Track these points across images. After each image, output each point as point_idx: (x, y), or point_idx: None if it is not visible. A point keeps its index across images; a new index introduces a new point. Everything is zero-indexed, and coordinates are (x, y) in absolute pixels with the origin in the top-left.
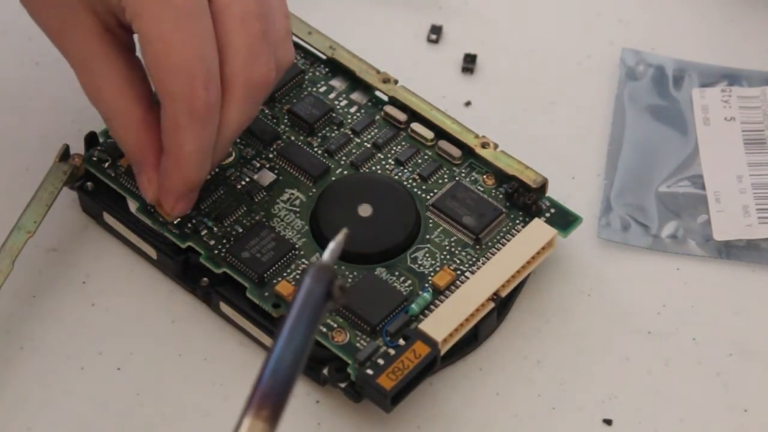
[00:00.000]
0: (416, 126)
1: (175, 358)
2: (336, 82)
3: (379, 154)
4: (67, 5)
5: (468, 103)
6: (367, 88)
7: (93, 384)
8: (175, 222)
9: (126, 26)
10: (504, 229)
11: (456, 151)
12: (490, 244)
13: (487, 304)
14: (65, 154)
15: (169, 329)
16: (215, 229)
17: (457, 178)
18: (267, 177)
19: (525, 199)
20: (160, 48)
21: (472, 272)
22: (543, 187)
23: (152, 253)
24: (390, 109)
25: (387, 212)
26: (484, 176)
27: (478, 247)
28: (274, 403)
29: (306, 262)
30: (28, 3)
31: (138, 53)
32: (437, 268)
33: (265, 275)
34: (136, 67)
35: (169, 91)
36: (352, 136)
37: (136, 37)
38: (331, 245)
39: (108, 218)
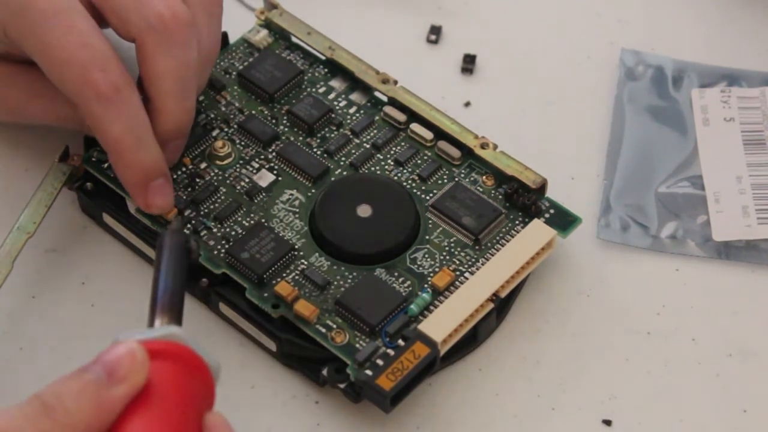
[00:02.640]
0: (416, 126)
1: None
2: (335, 83)
3: (379, 155)
4: None
5: (467, 104)
6: (366, 89)
7: None
8: (172, 221)
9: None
10: (503, 229)
11: (455, 152)
12: (489, 244)
13: (487, 305)
14: (65, 155)
15: None
16: (215, 229)
17: (456, 179)
18: (266, 178)
19: (524, 199)
20: (44, 53)
21: (472, 273)
22: (542, 187)
23: (151, 253)
24: (389, 110)
25: (386, 213)
26: (484, 177)
27: (477, 247)
28: (173, 309)
29: (305, 262)
30: None
31: None
32: (437, 269)
33: (265, 276)
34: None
35: (69, 88)
36: (351, 136)
37: None
38: (174, 221)
39: (107, 219)
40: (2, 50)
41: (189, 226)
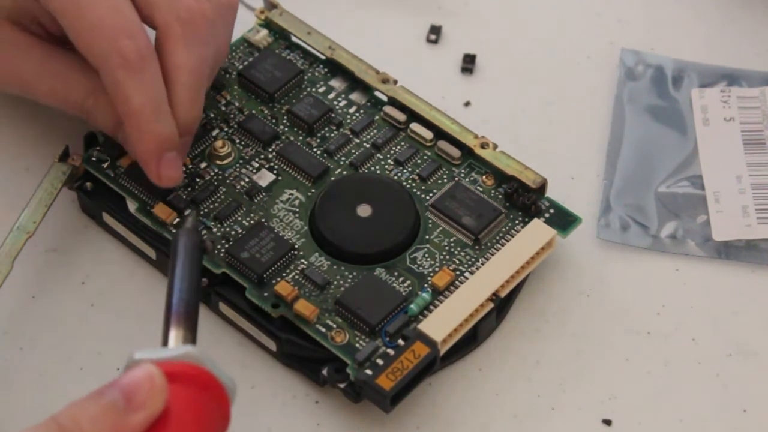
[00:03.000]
0: (415, 126)
1: None
2: (335, 83)
3: (379, 155)
4: None
5: (467, 104)
6: (366, 89)
7: (92, 384)
8: (173, 222)
9: (50, 32)
10: (503, 229)
11: (455, 152)
12: (489, 244)
13: (487, 305)
14: (65, 154)
15: None
16: (215, 229)
17: (456, 179)
18: (266, 177)
19: (524, 199)
20: (74, 14)
21: (472, 272)
22: (542, 187)
23: (152, 253)
24: (389, 110)
25: (386, 212)
26: (484, 176)
27: (477, 247)
28: (187, 320)
29: (305, 262)
30: None
31: None
32: (436, 269)
33: (265, 275)
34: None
35: (96, 53)
36: (351, 136)
37: None
38: (189, 220)
39: (107, 218)
40: (26, 14)
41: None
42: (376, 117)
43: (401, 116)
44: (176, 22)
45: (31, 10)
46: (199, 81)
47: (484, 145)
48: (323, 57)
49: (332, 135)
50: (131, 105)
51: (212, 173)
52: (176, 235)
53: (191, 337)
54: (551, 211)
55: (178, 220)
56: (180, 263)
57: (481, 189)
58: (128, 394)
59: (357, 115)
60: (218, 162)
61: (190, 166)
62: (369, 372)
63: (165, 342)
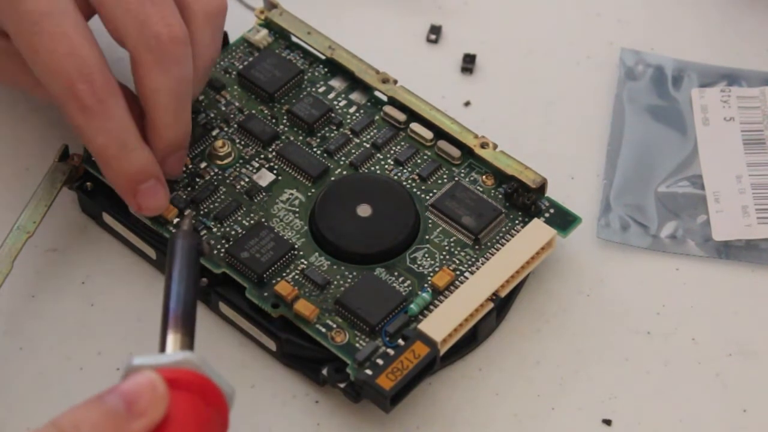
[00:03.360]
0: (415, 126)
1: None
2: (335, 82)
3: (379, 155)
4: None
5: (467, 103)
6: (366, 88)
7: (92, 384)
8: (174, 221)
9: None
10: (503, 229)
11: (455, 152)
12: (489, 244)
13: (487, 305)
14: (64, 154)
15: None
16: (215, 229)
17: (456, 179)
18: (266, 177)
19: (524, 199)
20: (30, 57)
21: (472, 272)
22: (542, 187)
23: (151, 253)
24: (389, 109)
25: (386, 212)
26: (484, 176)
27: (477, 247)
28: (185, 324)
29: (305, 262)
30: None
31: None
32: (436, 269)
33: (265, 275)
34: None
35: (54, 96)
36: (351, 136)
37: None
38: (186, 221)
39: (107, 218)
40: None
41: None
42: (376, 117)
43: (401, 116)
44: (145, 51)
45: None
46: (179, 100)
47: (484, 145)
48: (323, 57)
49: (332, 135)
50: (94, 146)
51: (212, 173)
52: (173, 237)
53: (189, 341)
54: (551, 210)
55: (177, 219)
56: (177, 265)
57: (481, 189)
58: (130, 400)
59: (357, 115)
60: (218, 162)
61: (190, 166)
62: (369, 372)
63: (163, 346)
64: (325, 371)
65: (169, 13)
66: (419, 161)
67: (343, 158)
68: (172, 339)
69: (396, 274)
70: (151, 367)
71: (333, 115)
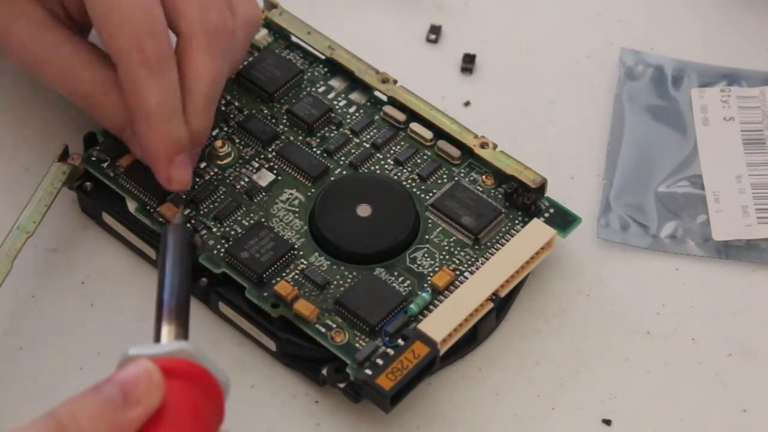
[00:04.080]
0: (415, 126)
1: None
2: (335, 82)
3: (378, 154)
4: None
5: (467, 103)
6: (366, 88)
7: (92, 384)
8: (174, 215)
9: (72, 17)
10: (503, 229)
11: (455, 151)
12: (489, 244)
13: (486, 304)
14: (64, 154)
15: None
16: (214, 229)
17: (456, 178)
18: (266, 177)
19: (524, 199)
20: (105, 7)
21: (471, 272)
22: (542, 187)
23: (151, 253)
24: (389, 109)
25: (386, 212)
26: (483, 176)
27: (477, 247)
28: (179, 315)
29: (305, 262)
30: None
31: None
32: (436, 268)
33: (264, 275)
34: (95, 47)
35: (119, 48)
36: (351, 136)
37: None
38: (177, 215)
39: (107, 218)
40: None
41: (189, 225)
42: (376, 117)
43: (401, 116)
44: (202, 33)
45: None
46: (215, 91)
47: (483, 145)
48: (323, 57)
49: (332, 135)
50: (147, 104)
51: (212, 173)
52: (164, 231)
53: (183, 332)
54: (551, 210)
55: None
56: (169, 258)
57: (480, 189)
58: (125, 389)
59: (357, 114)
60: (218, 162)
61: None
62: (369, 372)
63: (157, 338)
64: (325, 371)
65: (225, 7)
66: (419, 161)
67: (342, 158)
68: (167, 330)
69: (396, 274)
70: (147, 356)
71: (333, 115)
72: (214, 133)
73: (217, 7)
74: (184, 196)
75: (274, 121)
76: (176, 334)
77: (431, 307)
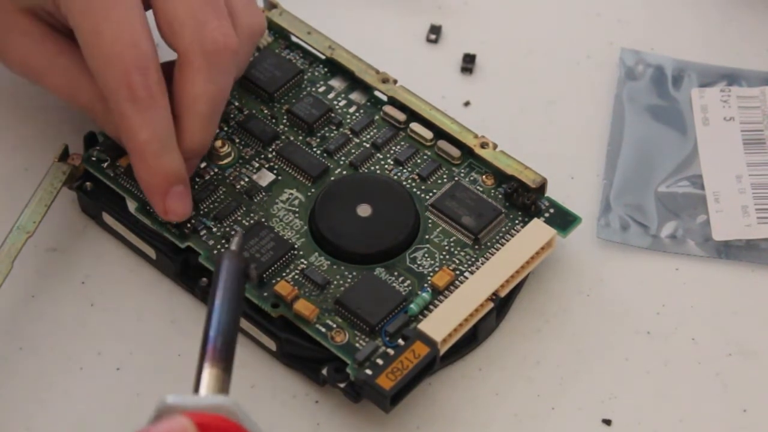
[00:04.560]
0: (415, 126)
1: (174, 358)
2: (335, 82)
3: (379, 154)
4: (6, 14)
5: (467, 103)
6: (366, 88)
7: (92, 384)
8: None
9: (69, 26)
10: (503, 229)
11: (455, 151)
12: (489, 244)
13: (487, 304)
14: (64, 154)
15: (169, 329)
16: (214, 229)
17: (456, 178)
18: (266, 177)
19: (524, 199)
20: (91, 41)
21: (472, 272)
22: (542, 187)
23: (151, 253)
24: (389, 109)
25: (386, 212)
26: (484, 176)
27: (477, 247)
28: (225, 356)
29: (305, 262)
30: None
31: None
32: (436, 268)
33: (264, 275)
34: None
35: (107, 84)
36: (351, 136)
37: None
38: (235, 240)
39: (107, 218)
40: (43, 10)
41: (188, 225)
42: (376, 117)
43: (401, 116)
44: (199, 54)
45: (54, 13)
46: (215, 109)
47: (483, 145)
48: (323, 57)
49: (332, 135)
50: (137, 139)
51: (212, 173)
52: (221, 257)
53: (226, 378)
54: (551, 210)
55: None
56: (221, 291)
57: (480, 189)
58: None
59: (357, 114)
60: (218, 162)
61: None
62: (369, 372)
63: (198, 380)
64: (325, 371)
65: (226, 23)
66: (419, 161)
67: (343, 158)
68: (208, 375)
69: (396, 274)
70: (185, 408)
71: (333, 115)
72: None
73: (217, 24)
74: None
75: (274, 121)
76: (219, 381)
77: (431, 307)
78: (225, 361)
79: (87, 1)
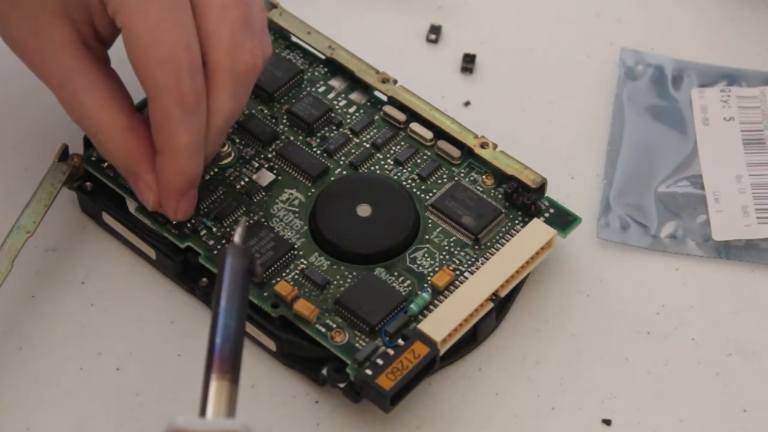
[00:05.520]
0: (415, 126)
1: (174, 358)
2: (335, 82)
3: (378, 154)
4: (43, 16)
5: (467, 103)
6: (366, 88)
7: (92, 384)
8: (174, 222)
9: (101, 38)
10: (503, 229)
11: (455, 151)
12: (489, 244)
13: (486, 304)
14: (64, 154)
15: (169, 329)
16: (214, 229)
17: (456, 178)
18: (266, 177)
19: (524, 199)
20: (146, 41)
21: (471, 272)
22: (542, 187)
23: (151, 253)
24: (389, 109)
25: (386, 212)
26: (484, 176)
27: (477, 247)
28: (233, 365)
29: (305, 262)
30: (2, 23)
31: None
32: (436, 268)
33: (264, 275)
34: (114, 78)
35: (157, 85)
36: (351, 136)
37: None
38: (239, 230)
39: (107, 218)
40: (82, 10)
41: (188, 225)
42: (376, 117)
43: (401, 116)
44: (230, 72)
45: (93, 9)
46: (230, 125)
47: (483, 145)
48: (323, 56)
49: (332, 135)
50: (176, 142)
51: (212, 173)
52: (224, 253)
53: (234, 390)
54: (551, 210)
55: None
56: (225, 291)
57: (480, 189)
58: None
59: (357, 114)
60: (218, 162)
61: None
62: (369, 372)
63: (205, 392)
64: (325, 371)
65: (257, 45)
66: (419, 161)
67: (342, 158)
68: (216, 390)
69: (396, 274)
70: None
71: (333, 115)
72: None
73: (249, 47)
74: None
75: (274, 121)
76: (227, 398)
77: (431, 307)
78: (232, 372)
79: (143, 0)
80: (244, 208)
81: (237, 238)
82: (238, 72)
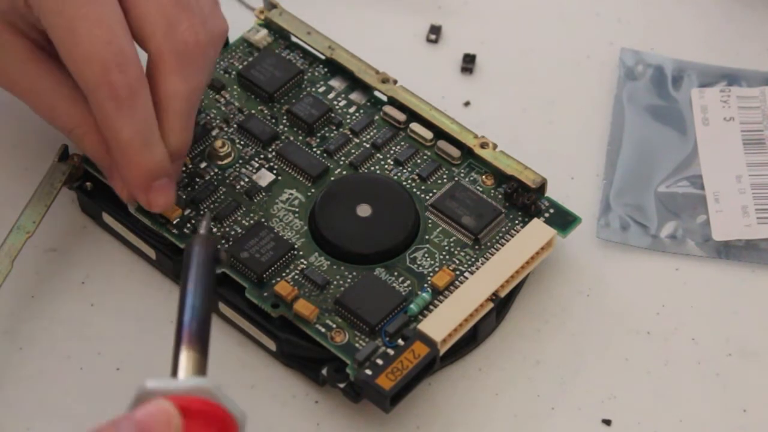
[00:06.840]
0: (415, 126)
1: None
2: (335, 82)
3: (378, 155)
4: None
5: (467, 103)
6: (366, 88)
7: (92, 384)
8: (174, 221)
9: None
10: (503, 229)
11: (455, 151)
12: (489, 244)
13: (486, 305)
14: (64, 154)
15: (168, 329)
16: (214, 229)
17: (456, 179)
18: (266, 177)
19: (524, 199)
20: (67, 40)
21: (471, 272)
22: (542, 187)
23: (151, 253)
24: (389, 109)
25: (386, 212)
26: (483, 176)
27: (477, 247)
28: (200, 338)
29: (305, 262)
30: None
31: None
32: (436, 269)
33: (264, 275)
34: None
35: (86, 81)
36: (351, 136)
37: None
38: (203, 223)
39: (107, 218)
40: (23, 18)
41: (188, 225)
42: (376, 117)
43: (401, 116)
44: (171, 53)
45: (28, 16)
46: (191, 106)
47: (483, 145)
48: (323, 57)
49: (332, 135)
50: (120, 137)
51: (212, 173)
52: (190, 243)
53: (203, 359)
54: (551, 210)
55: (178, 220)
56: (192, 275)
57: (480, 189)
58: (143, 429)
59: (357, 114)
60: (218, 162)
61: (190, 166)
62: (369, 372)
63: (176, 364)
64: (324, 371)
65: (197, 22)
66: (419, 161)
67: (342, 158)
68: (185, 358)
69: (396, 274)
70: (165, 392)
71: (333, 115)
72: (214, 133)
73: (189, 24)
74: (183, 196)
75: (274, 121)
76: (195, 363)
77: (431, 307)
78: (201, 343)
79: (61, 1)
80: (244, 208)
81: (202, 229)
82: (180, 52)
